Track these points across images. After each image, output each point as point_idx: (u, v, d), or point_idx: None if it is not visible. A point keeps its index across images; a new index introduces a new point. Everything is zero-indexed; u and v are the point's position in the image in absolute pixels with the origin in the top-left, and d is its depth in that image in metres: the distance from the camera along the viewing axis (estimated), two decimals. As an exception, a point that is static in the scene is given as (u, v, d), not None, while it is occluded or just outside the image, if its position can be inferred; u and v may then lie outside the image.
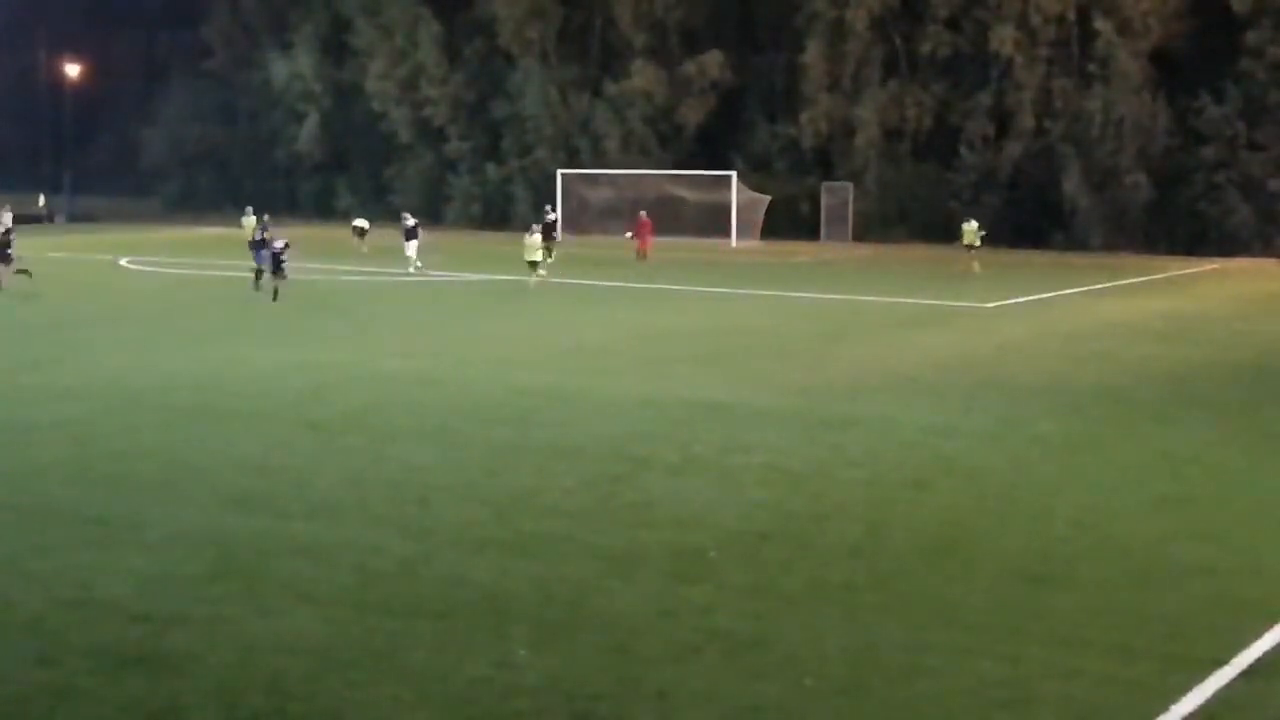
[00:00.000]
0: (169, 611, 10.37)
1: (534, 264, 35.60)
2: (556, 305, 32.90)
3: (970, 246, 43.48)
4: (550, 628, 10.09)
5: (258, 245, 34.45)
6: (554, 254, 45.04)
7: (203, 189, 77.45)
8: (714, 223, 56.50)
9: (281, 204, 73.65)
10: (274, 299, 31.45)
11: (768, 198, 57.09)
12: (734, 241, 55.38)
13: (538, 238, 36.28)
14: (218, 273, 39.35)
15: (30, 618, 10.31)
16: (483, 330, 27.98)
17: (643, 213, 47.83)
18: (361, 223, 50.83)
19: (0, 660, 9.50)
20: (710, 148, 61.45)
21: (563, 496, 13.93)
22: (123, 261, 45.30)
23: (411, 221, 41.80)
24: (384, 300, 34.71)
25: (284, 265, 31.97)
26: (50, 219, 71.83)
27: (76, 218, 72.42)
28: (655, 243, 47.13)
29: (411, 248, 40.52)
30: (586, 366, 22.86)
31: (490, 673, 9.22)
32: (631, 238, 46.57)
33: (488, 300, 33.42)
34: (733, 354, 24.48)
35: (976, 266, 42.32)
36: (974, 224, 44.45)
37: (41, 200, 72.74)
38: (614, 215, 56.87)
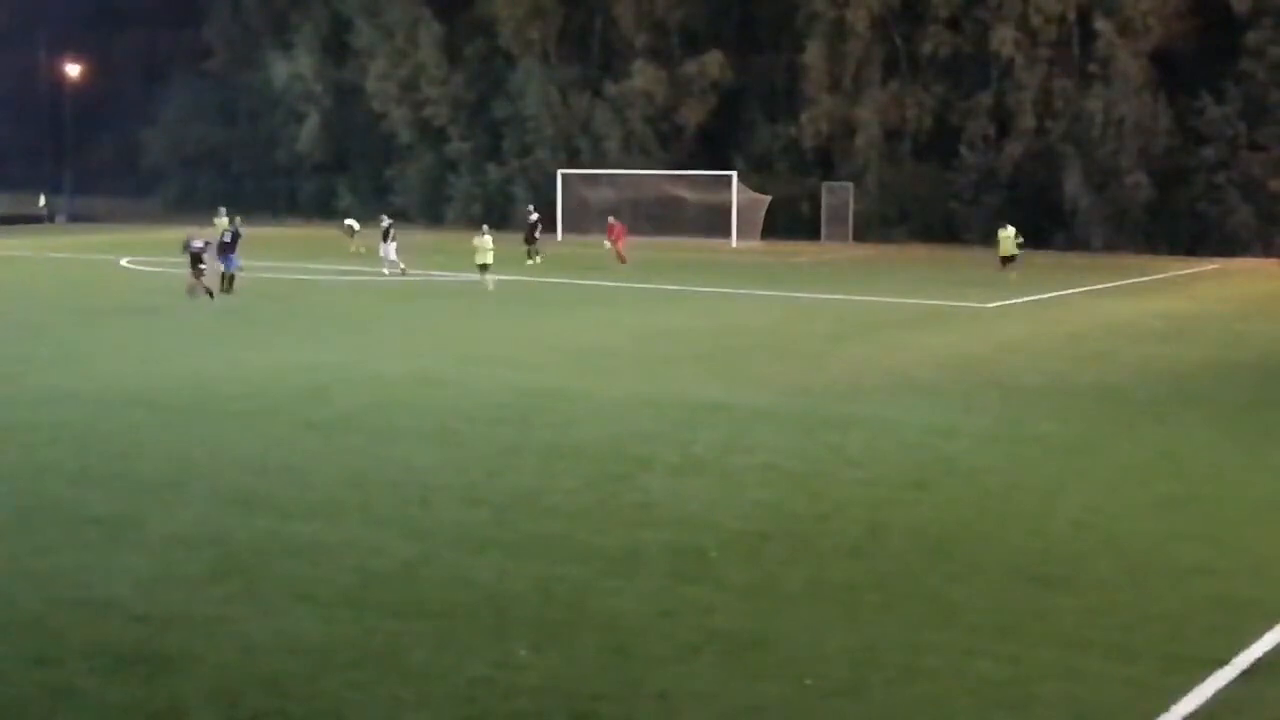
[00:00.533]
0: (169, 611, 10.37)
1: (484, 266, 35.24)
2: (556, 305, 32.91)
3: (1008, 257, 39.37)
4: (550, 628, 10.08)
5: (227, 248, 34.39)
6: (540, 255, 44.98)
7: (203, 189, 77.42)
8: (714, 223, 56.51)
9: (282, 204, 73.88)
10: (195, 297, 31.36)
11: (768, 198, 57.09)
12: (734, 242, 55.37)
13: (488, 239, 35.79)
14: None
15: (30, 618, 10.30)
16: (483, 330, 27.99)
17: (611, 217, 47.86)
18: (352, 222, 51.66)
19: (0, 660, 9.49)
20: (711, 148, 61.47)
21: (563, 497, 13.91)
22: (123, 262, 45.32)
23: (386, 223, 41.97)
24: (383, 300, 34.69)
25: (203, 266, 32.00)
26: (51, 219, 71.94)
27: (77, 218, 72.50)
28: (657, 243, 46.90)
29: (391, 249, 40.56)
30: (587, 367, 22.86)
31: (490, 673, 9.22)
32: (610, 248, 45.96)
33: (487, 300, 33.40)
34: (733, 354, 24.48)
35: (1014, 278, 38.05)
36: (1011, 230, 39.85)
37: (42, 200, 72.79)
38: (615, 215, 56.82)
